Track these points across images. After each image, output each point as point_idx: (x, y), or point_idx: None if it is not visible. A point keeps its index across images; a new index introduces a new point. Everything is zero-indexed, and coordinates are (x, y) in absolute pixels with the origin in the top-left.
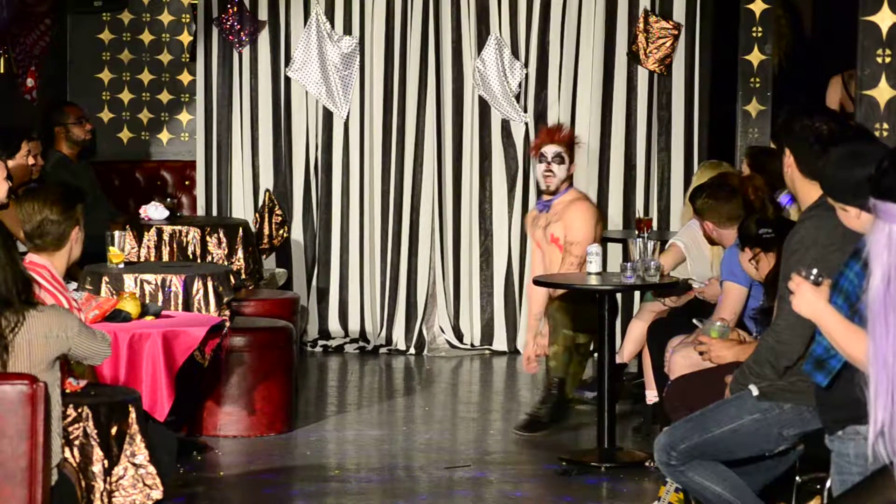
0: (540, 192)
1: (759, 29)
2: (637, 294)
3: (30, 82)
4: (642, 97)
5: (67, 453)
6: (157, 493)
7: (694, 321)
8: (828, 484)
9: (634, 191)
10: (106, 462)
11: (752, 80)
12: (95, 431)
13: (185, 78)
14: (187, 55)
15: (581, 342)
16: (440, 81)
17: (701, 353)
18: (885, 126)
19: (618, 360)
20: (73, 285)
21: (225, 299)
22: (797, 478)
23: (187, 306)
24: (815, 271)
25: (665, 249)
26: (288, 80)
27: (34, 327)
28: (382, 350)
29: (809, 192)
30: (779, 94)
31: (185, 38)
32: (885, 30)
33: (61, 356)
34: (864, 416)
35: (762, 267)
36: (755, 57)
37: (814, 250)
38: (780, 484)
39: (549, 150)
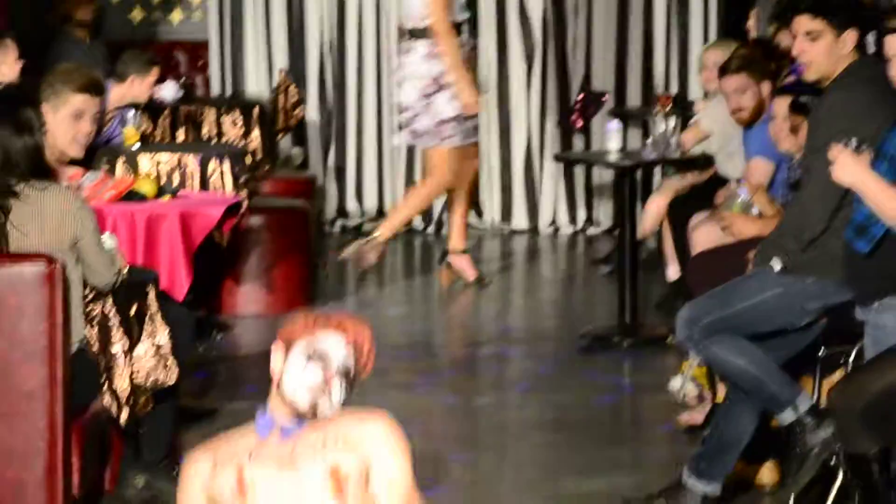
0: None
1: None
2: (658, 171)
3: None
4: None
5: (88, 332)
6: (175, 373)
7: (738, 185)
8: (851, 356)
9: (652, 68)
10: (126, 341)
11: None
12: (114, 311)
13: None
14: None
15: None
16: None
17: (723, 228)
18: None
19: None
20: (91, 175)
21: (241, 179)
22: (821, 351)
23: (204, 186)
24: (854, 140)
25: (688, 126)
26: None
27: (49, 203)
28: None
29: (838, 62)
30: None
31: None
32: None
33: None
34: None
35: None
36: None
37: (842, 120)
38: (803, 358)
39: (339, 353)
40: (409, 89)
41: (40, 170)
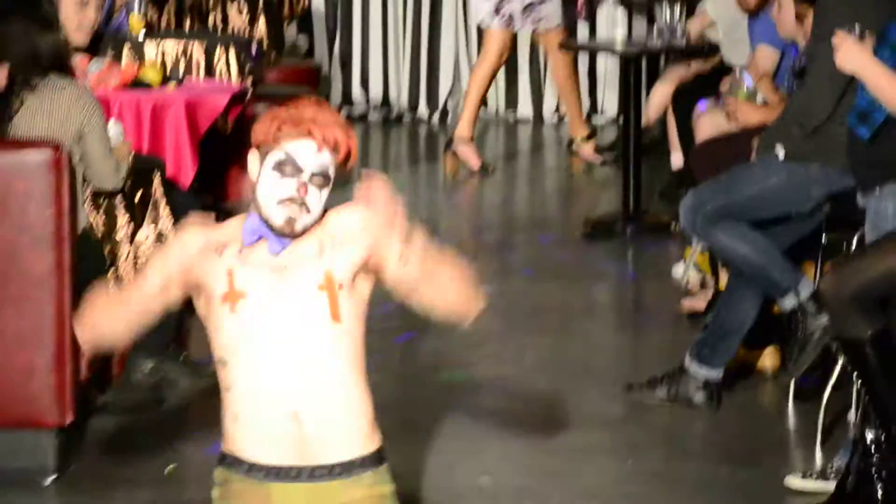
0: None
1: None
2: (662, 60)
3: None
4: None
5: (93, 218)
6: None
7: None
8: (853, 243)
9: None
10: (131, 227)
11: None
12: (120, 197)
13: None
14: None
15: None
16: None
17: (728, 116)
18: None
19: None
20: (96, 63)
21: (247, 67)
22: (823, 238)
23: (209, 74)
24: (858, 27)
25: (693, 14)
26: None
27: (60, 96)
28: (405, 118)
29: None
30: None
31: None
32: None
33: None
34: None
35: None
36: None
37: (847, 8)
38: (805, 245)
39: (311, 160)
40: None
41: (62, 66)
